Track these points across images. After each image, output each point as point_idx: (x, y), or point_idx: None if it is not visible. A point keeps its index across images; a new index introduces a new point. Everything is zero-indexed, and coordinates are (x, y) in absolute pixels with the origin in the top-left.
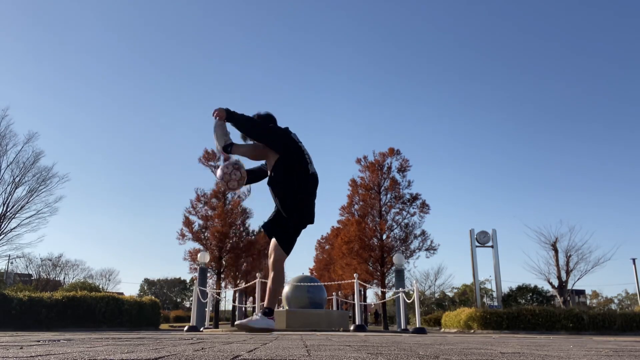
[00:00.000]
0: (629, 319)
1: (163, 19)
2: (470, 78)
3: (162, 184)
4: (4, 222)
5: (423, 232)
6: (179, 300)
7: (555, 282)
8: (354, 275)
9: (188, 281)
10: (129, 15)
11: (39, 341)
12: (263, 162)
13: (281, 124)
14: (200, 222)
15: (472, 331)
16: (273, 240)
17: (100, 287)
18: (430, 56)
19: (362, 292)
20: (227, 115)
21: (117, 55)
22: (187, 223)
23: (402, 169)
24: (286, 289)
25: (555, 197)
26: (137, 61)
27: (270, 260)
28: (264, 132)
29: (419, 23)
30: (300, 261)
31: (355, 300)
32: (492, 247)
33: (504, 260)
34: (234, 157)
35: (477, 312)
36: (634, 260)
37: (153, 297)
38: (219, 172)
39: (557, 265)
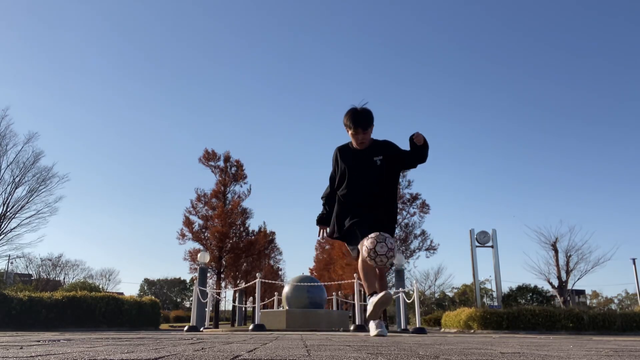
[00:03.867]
0: (629, 319)
1: (165, 18)
2: (470, 78)
3: (162, 184)
4: (4, 222)
5: (423, 232)
6: (179, 300)
7: (555, 282)
8: (354, 275)
9: (188, 281)
10: (130, 13)
11: (39, 341)
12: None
13: (279, 125)
14: (200, 222)
15: (472, 331)
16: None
17: (100, 287)
18: (429, 56)
19: (362, 292)
20: (424, 142)
21: (118, 54)
22: (187, 223)
23: None
24: (286, 289)
25: (555, 197)
26: (138, 60)
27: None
28: None
29: (416, 23)
30: (301, 261)
31: (355, 300)
32: (492, 247)
33: (504, 260)
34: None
35: (477, 312)
36: (634, 260)
37: (153, 297)
38: (380, 247)
39: (557, 265)
